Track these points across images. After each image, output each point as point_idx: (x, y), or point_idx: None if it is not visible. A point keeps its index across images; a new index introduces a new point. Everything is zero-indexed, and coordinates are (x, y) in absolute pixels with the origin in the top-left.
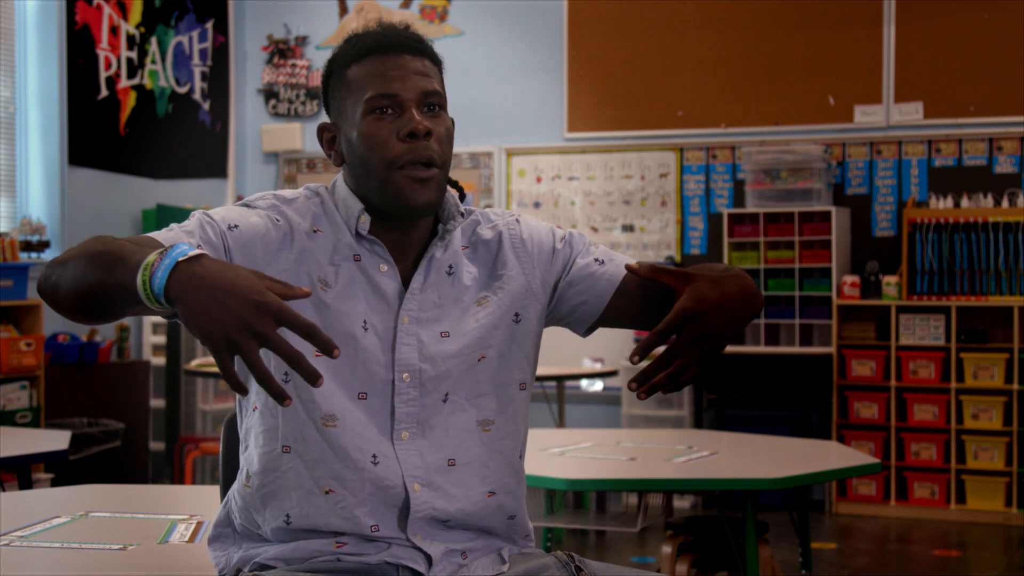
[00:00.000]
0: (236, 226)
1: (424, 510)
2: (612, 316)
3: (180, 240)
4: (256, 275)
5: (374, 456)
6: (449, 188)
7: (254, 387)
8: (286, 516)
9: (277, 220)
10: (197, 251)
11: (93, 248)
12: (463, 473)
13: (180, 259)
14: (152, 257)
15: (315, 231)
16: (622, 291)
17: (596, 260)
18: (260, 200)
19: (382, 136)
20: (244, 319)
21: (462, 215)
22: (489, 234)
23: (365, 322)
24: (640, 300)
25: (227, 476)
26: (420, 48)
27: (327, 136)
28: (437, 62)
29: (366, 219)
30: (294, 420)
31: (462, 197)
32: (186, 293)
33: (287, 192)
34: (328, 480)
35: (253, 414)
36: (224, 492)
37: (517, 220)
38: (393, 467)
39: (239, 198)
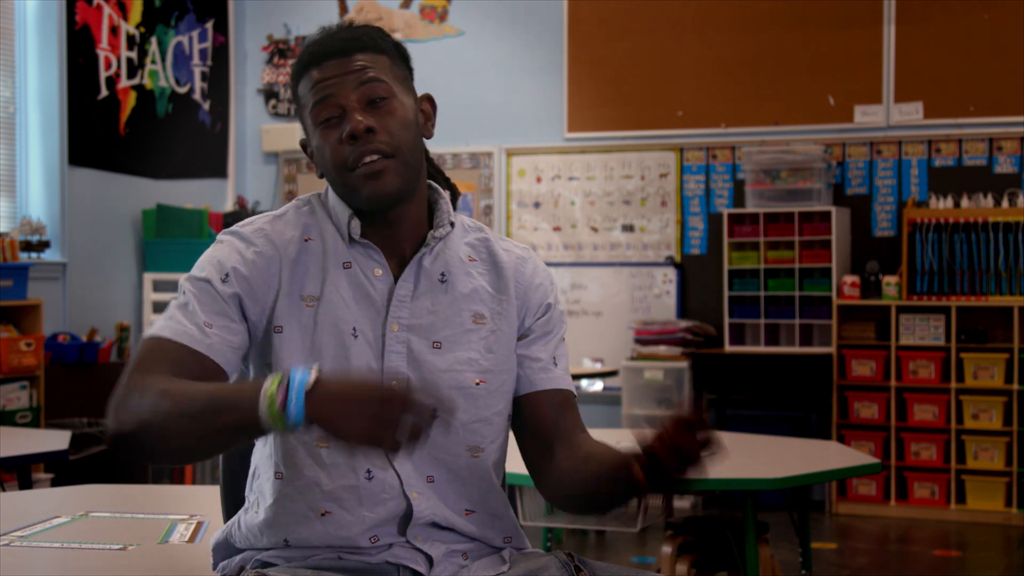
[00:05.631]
0: (227, 275)
1: (426, 516)
2: (516, 411)
3: (193, 331)
4: (369, 374)
5: (368, 471)
6: (442, 191)
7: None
8: (284, 540)
9: (262, 247)
10: (313, 373)
11: (176, 405)
12: (443, 490)
13: (306, 387)
14: (272, 390)
15: (305, 240)
16: (536, 401)
17: (553, 359)
18: (247, 226)
19: (331, 143)
20: (380, 419)
21: (452, 224)
22: (504, 256)
23: (355, 329)
24: (533, 422)
25: (227, 476)
26: (356, 44)
27: (309, 150)
28: (382, 49)
29: (356, 223)
30: (284, 446)
31: (455, 198)
32: (326, 415)
33: (277, 210)
34: (323, 502)
35: (257, 444)
36: (224, 493)
37: (528, 257)
38: (390, 479)
39: (239, 198)
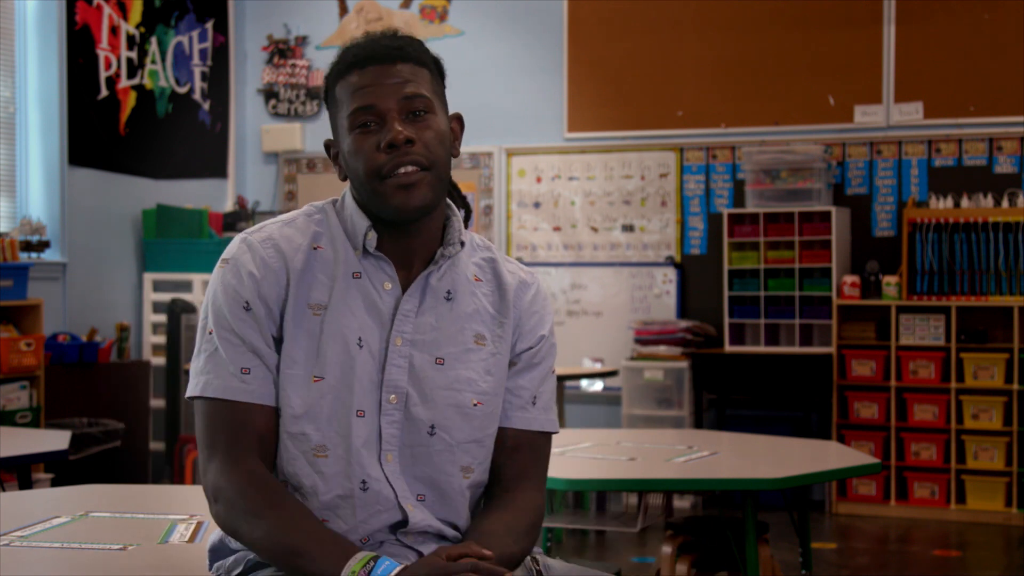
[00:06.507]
0: (247, 304)
1: (421, 526)
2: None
3: (232, 383)
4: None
5: (363, 482)
6: (456, 209)
7: None
8: None
9: (269, 258)
10: (397, 571)
11: (266, 536)
12: (433, 508)
13: None
14: (355, 569)
15: (315, 248)
16: (503, 438)
17: (534, 398)
18: (256, 232)
19: (366, 149)
20: None
21: (462, 243)
22: (508, 278)
23: (360, 339)
24: (502, 455)
25: None
26: (401, 54)
27: (332, 151)
28: (425, 63)
29: (373, 236)
30: (285, 454)
31: (468, 217)
32: None
33: (288, 215)
34: (319, 511)
35: None
36: None
37: (532, 284)
38: (384, 491)
39: (239, 198)
